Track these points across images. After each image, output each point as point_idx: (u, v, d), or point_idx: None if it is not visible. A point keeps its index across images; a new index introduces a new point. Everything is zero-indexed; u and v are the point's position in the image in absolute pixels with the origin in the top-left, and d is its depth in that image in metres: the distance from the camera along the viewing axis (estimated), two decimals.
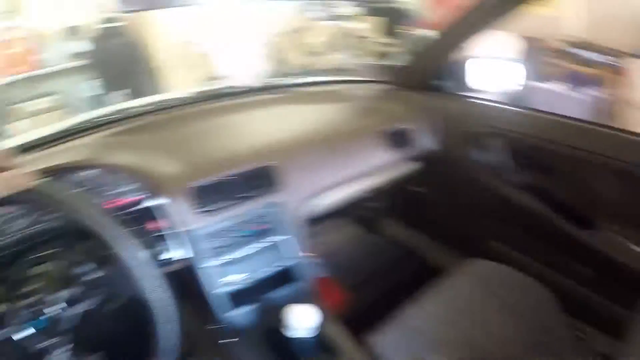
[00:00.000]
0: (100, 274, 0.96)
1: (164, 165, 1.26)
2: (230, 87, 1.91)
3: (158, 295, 0.81)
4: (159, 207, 1.19)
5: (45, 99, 4.78)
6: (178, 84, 4.79)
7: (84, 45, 4.85)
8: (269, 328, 1.19)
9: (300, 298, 1.22)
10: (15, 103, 4.72)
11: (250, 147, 1.37)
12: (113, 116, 1.61)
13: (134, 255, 0.80)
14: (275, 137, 1.43)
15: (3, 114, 4.65)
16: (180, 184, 1.21)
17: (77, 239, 1.11)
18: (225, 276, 1.22)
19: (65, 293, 0.82)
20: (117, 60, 4.72)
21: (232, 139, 1.42)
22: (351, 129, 1.54)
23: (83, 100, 4.97)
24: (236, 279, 1.23)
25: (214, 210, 1.21)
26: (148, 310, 0.81)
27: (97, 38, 4.76)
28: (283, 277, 1.29)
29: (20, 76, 4.67)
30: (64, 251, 0.99)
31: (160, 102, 1.73)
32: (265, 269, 1.27)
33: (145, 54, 4.84)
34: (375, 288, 1.95)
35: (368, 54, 4.89)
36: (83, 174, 1.19)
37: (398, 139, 1.56)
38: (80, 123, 1.59)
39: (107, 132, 1.48)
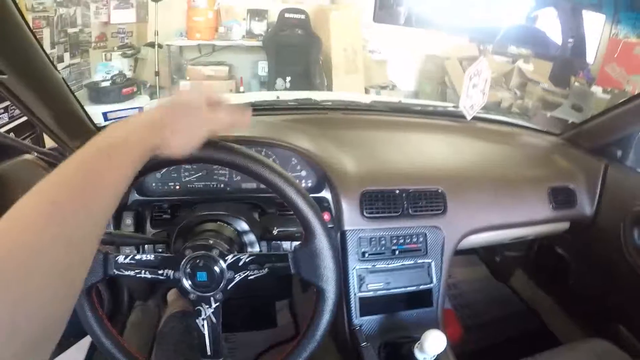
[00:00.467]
0: (270, 249, 1.05)
1: (342, 162, 1.30)
2: (405, 104, 1.91)
3: (333, 287, 0.83)
4: (327, 199, 1.25)
5: (216, 67, 5.10)
6: (344, 85, 4.88)
7: (263, 28, 5.12)
8: (393, 342, 1.20)
9: (427, 323, 1.24)
10: (191, 64, 5.11)
11: (421, 168, 1.38)
12: (292, 103, 1.68)
13: (328, 240, 0.82)
14: (446, 165, 1.43)
15: (182, 71, 5.08)
16: (354, 184, 1.25)
17: (256, 209, 1.21)
18: (367, 282, 1.24)
19: (232, 256, 0.87)
20: (290, 49, 4.92)
21: (405, 155, 1.43)
22: (518, 176, 1.48)
23: (250, 77, 5.28)
24: (375, 287, 1.24)
25: (377, 217, 1.24)
26: (318, 297, 0.84)
27: (277, 24, 4.99)
28: (417, 298, 1.29)
29: (201, 41, 5.08)
30: (241, 217, 1.06)
31: (340, 102, 1.77)
32: (403, 286, 1.27)
33: (318, 50, 4.97)
34: (490, 335, 1.91)
35: (535, 98, 4.71)
36: (266, 149, 1.28)
37: (560, 197, 1.48)
38: (263, 102, 1.67)
39: (287, 117, 1.53)
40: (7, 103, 3.12)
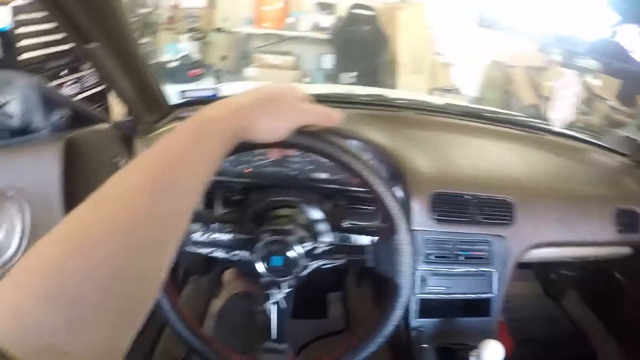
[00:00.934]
0: (345, 240, 1.07)
1: (414, 161, 1.29)
2: (477, 109, 1.88)
3: (408, 284, 0.84)
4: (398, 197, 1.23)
5: (282, 56, 5.18)
6: (408, 85, 4.84)
7: (330, 22, 5.15)
8: (448, 348, 1.20)
9: (483, 332, 1.23)
10: (258, 52, 5.20)
11: (492, 175, 1.36)
12: (366, 98, 1.68)
13: (409, 236, 0.82)
14: (516, 174, 1.40)
15: (247, 58, 5.16)
16: (425, 185, 1.24)
17: (328, 200, 1.23)
18: (428, 284, 1.24)
19: (310, 244, 0.89)
20: (357, 44, 4.91)
21: (476, 161, 1.41)
22: (584, 194, 1.43)
23: (315, 69, 5.33)
24: (436, 290, 1.24)
25: (445, 220, 1.23)
26: (391, 292, 0.85)
27: (345, 19, 5.00)
28: (475, 306, 1.28)
29: (269, 30, 5.17)
30: (316, 205, 1.10)
31: (413, 101, 1.76)
32: (463, 293, 1.26)
33: (384, 47, 4.94)
34: (537, 352, 1.85)
35: (600, 116, 4.52)
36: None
37: (625, 220, 1.41)
38: (336, 94, 1.71)
39: (359, 111, 1.53)
40: (81, 74, 3.24)
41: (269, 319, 0.88)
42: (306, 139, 0.72)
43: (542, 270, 2.21)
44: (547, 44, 4.33)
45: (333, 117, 0.71)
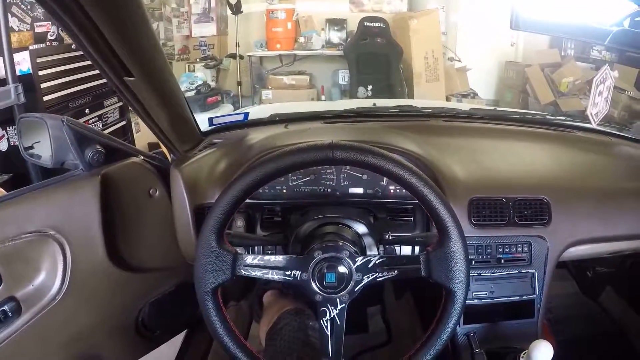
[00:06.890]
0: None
1: (450, 168, 1.30)
2: (503, 111, 1.87)
3: (463, 290, 0.85)
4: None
5: (297, 76, 5.23)
6: (425, 93, 4.86)
7: (342, 37, 5.20)
8: (496, 352, 1.19)
9: (528, 334, 1.24)
10: (272, 73, 5.28)
11: (526, 176, 1.36)
12: (393, 110, 1.70)
13: (463, 243, 0.84)
14: (549, 174, 1.41)
15: (263, 80, 5.26)
16: (463, 191, 1.25)
17: (369, 213, 1.22)
18: (472, 290, 1.24)
19: (362, 258, 0.88)
20: (370, 57, 4.93)
21: (509, 163, 1.42)
22: (619, 188, 1.42)
23: (331, 86, 5.39)
24: (480, 295, 1.25)
25: (484, 225, 1.23)
26: (447, 299, 0.86)
27: (357, 33, 5.03)
28: (518, 308, 1.28)
29: (282, 52, 5.24)
30: (360, 220, 1.11)
31: (440, 109, 1.78)
32: (507, 296, 1.27)
33: (398, 58, 4.96)
34: (577, 353, 1.84)
35: (620, 107, 4.44)
36: None
37: None
38: (363, 108, 1.71)
39: (388, 123, 1.54)
40: (102, 111, 3.28)
41: (324, 336, 0.88)
42: (352, 153, 0.74)
43: (577, 269, 2.20)
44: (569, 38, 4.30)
45: None
